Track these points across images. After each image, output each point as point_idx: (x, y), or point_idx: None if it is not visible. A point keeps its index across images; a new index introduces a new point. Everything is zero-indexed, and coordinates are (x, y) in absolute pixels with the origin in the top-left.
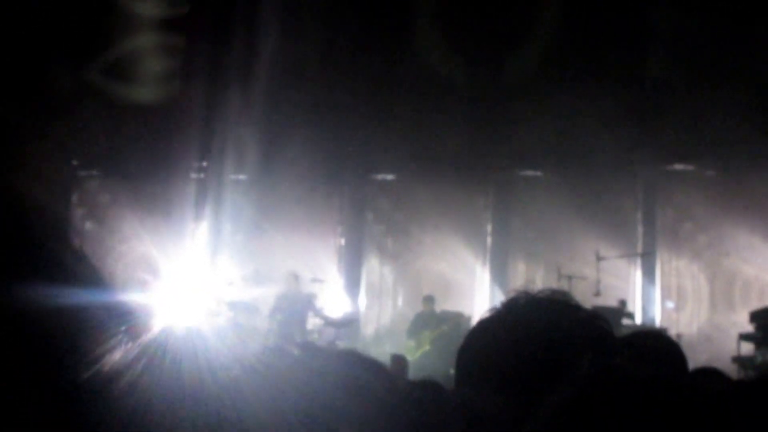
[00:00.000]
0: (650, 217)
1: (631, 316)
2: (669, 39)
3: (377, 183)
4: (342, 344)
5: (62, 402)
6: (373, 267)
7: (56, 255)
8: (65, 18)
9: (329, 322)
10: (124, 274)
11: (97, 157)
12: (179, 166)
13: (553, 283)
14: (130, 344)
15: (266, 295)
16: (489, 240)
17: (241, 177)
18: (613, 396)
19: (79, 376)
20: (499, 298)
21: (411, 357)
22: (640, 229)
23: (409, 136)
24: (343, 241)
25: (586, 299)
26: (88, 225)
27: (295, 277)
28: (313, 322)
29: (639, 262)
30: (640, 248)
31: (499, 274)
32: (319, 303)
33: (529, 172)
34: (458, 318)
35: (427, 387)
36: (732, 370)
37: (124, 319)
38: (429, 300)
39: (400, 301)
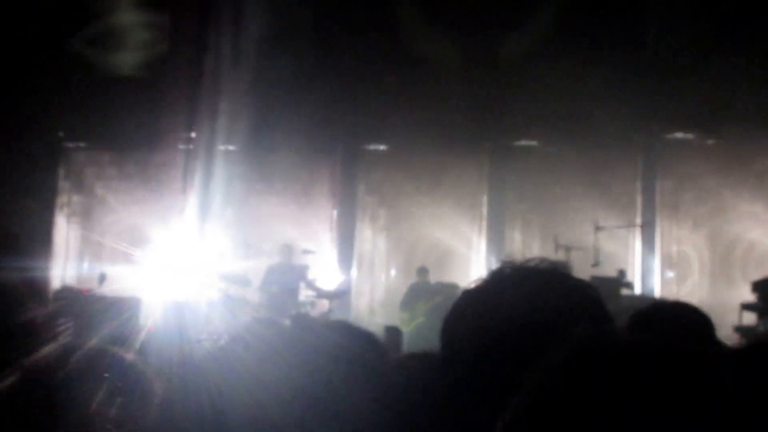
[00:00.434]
0: (650, 186)
1: (630, 286)
2: (669, 3)
3: (370, 153)
4: (335, 316)
5: None
6: (366, 238)
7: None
8: None
9: (322, 294)
10: (112, 246)
11: (84, 128)
12: (167, 137)
13: (551, 254)
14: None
15: (258, 266)
16: (484, 210)
17: (231, 148)
18: (602, 361)
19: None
20: None
21: (405, 329)
22: (639, 199)
23: (401, 105)
24: (335, 213)
25: (584, 270)
26: (76, 198)
27: (288, 249)
28: (305, 294)
29: (638, 232)
30: (639, 218)
31: (496, 245)
32: (312, 275)
33: (525, 142)
34: (453, 289)
35: (420, 358)
36: (734, 340)
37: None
38: (423, 271)
39: (393, 273)
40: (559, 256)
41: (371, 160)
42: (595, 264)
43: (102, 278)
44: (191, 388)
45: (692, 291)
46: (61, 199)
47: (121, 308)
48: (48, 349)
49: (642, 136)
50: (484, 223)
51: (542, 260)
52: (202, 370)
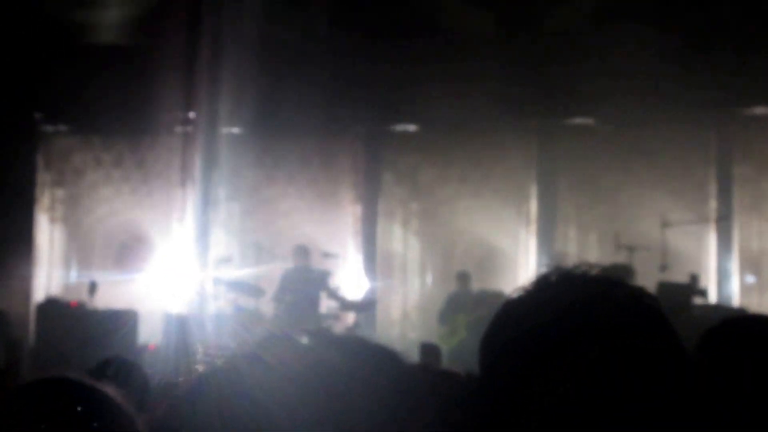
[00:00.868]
0: (726, 173)
1: (703, 293)
2: None
3: (398, 136)
4: (361, 332)
5: None
6: (396, 238)
7: None
8: None
9: (346, 305)
10: (101, 247)
11: (65, 108)
12: (162, 118)
13: (611, 255)
14: None
15: (271, 273)
16: (533, 203)
17: (236, 130)
18: None
19: None
20: None
21: (445, 346)
22: (714, 188)
23: (434, 77)
24: (359, 208)
25: (650, 274)
26: (59, 192)
27: (305, 252)
28: (327, 305)
29: (713, 228)
30: (714, 211)
31: (547, 244)
32: (334, 282)
33: (579, 120)
34: (499, 298)
35: (447, 376)
36: None
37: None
38: (464, 277)
39: (429, 279)
40: (621, 257)
41: (400, 144)
42: (663, 267)
43: (93, 288)
44: (198, 415)
45: None
46: (42, 193)
47: (116, 324)
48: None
49: (716, 112)
50: (533, 218)
51: (595, 265)
52: (210, 393)
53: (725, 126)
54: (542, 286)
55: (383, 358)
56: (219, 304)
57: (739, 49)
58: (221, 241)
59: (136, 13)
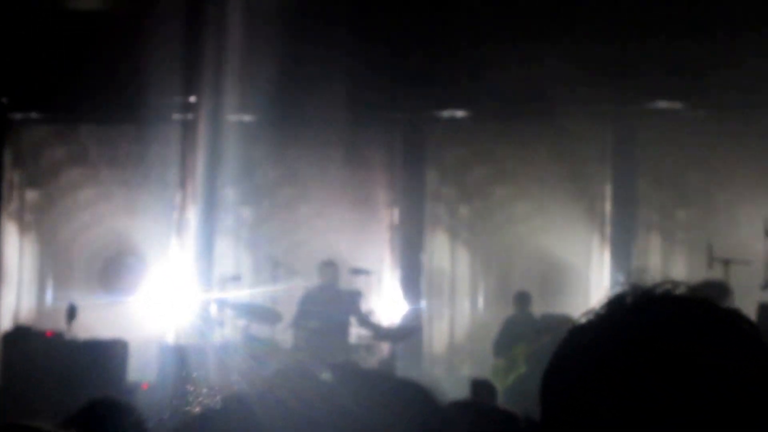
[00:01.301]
0: None
1: None
2: None
3: (443, 124)
4: (400, 367)
5: None
6: (442, 250)
7: None
8: None
9: (381, 334)
10: (83, 262)
11: (37, 91)
12: (157, 103)
13: (702, 270)
14: None
15: (289, 294)
16: (608, 205)
17: (247, 118)
18: None
19: None
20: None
21: (500, 384)
22: None
23: (489, 54)
24: (396, 213)
25: (749, 293)
26: (31, 194)
27: (331, 268)
28: (358, 334)
29: None
30: None
31: (625, 257)
32: (366, 305)
33: (664, 104)
34: (567, 324)
35: (500, 417)
36: None
37: None
38: (524, 298)
39: (481, 301)
40: (714, 272)
41: (446, 135)
42: (766, 285)
43: (72, 313)
44: None
45: None
46: (9, 196)
47: (102, 357)
48: None
49: None
50: (608, 225)
51: (681, 282)
52: None
53: None
54: (616, 309)
55: (414, 396)
56: (226, 332)
57: None
58: (229, 255)
59: None
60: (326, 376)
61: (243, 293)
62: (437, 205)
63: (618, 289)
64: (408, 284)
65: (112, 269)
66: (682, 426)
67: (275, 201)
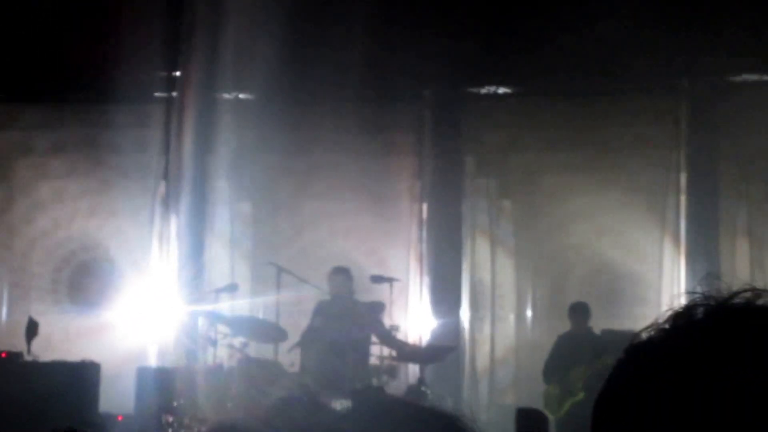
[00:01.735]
0: None
1: None
2: None
3: (482, 102)
4: (429, 392)
5: None
6: (481, 253)
7: None
8: None
9: (407, 354)
10: (45, 271)
11: None
12: (135, 78)
13: None
14: None
15: (296, 307)
16: (683, 199)
17: (244, 96)
18: None
19: None
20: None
21: (553, 414)
22: None
23: (539, 26)
24: (426, 210)
25: None
26: None
27: (346, 276)
28: (379, 354)
29: None
30: None
31: (704, 260)
32: (389, 319)
33: (751, 76)
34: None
35: None
36: None
37: None
38: (581, 311)
39: (529, 314)
40: None
41: (486, 115)
42: None
43: (32, 329)
44: None
45: None
46: None
47: (68, 383)
48: None
49: None
50: (683, 223)
51: (765, 291)
52: None
53: None
54: (683, 323)
55: (447, 429)
56: (219, 352)
57: None
58: (222, 260)
59: None
60: (340, 405)
61: (239, 306)
62: (475, 199)
63: (690, 299)
64: (440, 294)
65: (82, 278)
66: None
67: (279, 195)
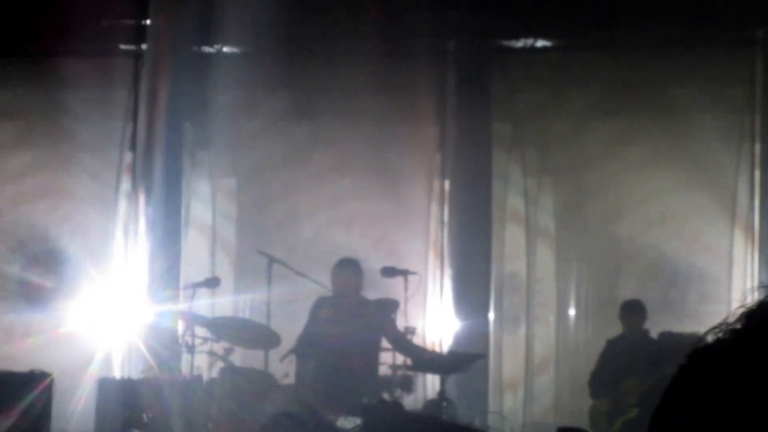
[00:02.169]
0: None
1: None
2: None
3: (515, 56)
4: (453, 406)
5: None
6: (515, 241)
7: None
8: None
9: (426, 363)
10: None
11: None
12: (95, 27)
13: None
14: None
15: (292, 306)
16: (757, 176)
17: (229, 49)
18: None
19: None
20: None
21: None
22: None
23: None
24: (448, 188)
25: None
26: None
27: (353, 268)
28: (392, 362)
29: None
30: None
31: None
32: (403, 321)
33: None
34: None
35: None
36: None
37: None
38: (635, 311)
39: (572, 314)
40: None
41: (521, 73)
42: None
43: None
44: None
45: None
46: None
47: (14, 396)
48: None
49: None
50: (756, 205)
51: None
52: None
53: None
54: (756, 322)
55: None
56: (197, 361)
57: None
58: (202, 248)
59: None
60: (345, 424)
61: (222, 304)
62: (508, 175)
63: (761, 295)
64: (465, 290)
65: (30, 272)
66: None
67: (271, 170)
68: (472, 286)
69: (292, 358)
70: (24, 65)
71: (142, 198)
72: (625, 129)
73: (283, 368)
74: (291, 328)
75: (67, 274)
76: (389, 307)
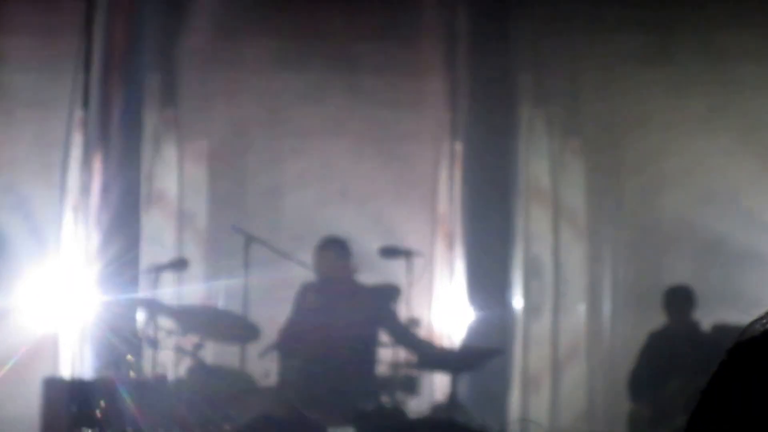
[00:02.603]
0: None
1: None
2: None
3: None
4: (465, 415)
5: None
6: (539, 218)
7: None
8: None
9: (431, 360)
10: None
11: None
12: None
13: None
14: None
15: (273, 293)
16: None
17: None
18: None
19: None
20: None
21: None
22: None
23: None
24: (459, 153)
25: None
26: None
27: (343, 250)
28: (392, 358)
29: None
30: None
31: None
32: (406, 311)
33: None
34: None
35: None
36: None
37: None
38: (682, 299)
39: (607, 305)
40: None
41: (545, 16)
42: None
43: None
44: None
45: None
46: None
47: None
48: None
49: None
50: None
51: None
52: None
53: None
54: None
55: None
56: (162, 357)
57: None
58: (167, 225)
59: None
60: None
61: (191, 291)
62: (531, 138)
63: None
64: (479, 275)
65: None
66: None
67: (251, 130)
68: (488, 270)
69: (274, 354)
70: None
71: (96, 164)
72: (669, 82)
73: (263, 366)
74: (272, 318)
75: (6, 256)
76: (389, 294)
